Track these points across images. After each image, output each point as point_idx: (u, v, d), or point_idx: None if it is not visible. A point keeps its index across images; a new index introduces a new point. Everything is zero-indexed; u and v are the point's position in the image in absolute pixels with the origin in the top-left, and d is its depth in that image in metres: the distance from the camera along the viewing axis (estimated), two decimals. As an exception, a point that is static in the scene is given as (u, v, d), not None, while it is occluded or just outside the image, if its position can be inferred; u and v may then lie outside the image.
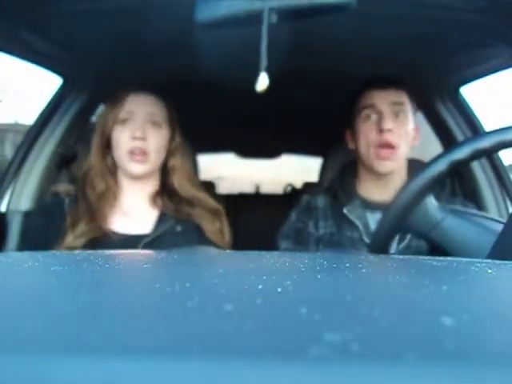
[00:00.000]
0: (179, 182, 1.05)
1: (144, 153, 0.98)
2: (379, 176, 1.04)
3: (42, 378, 0.16)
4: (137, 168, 0.98)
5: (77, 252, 0.64)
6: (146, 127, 0.99)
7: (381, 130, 1.00)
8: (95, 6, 0.85)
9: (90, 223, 0.96)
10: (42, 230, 1.01)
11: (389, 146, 0.99)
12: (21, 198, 1.22)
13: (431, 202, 0.60)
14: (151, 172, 1.03)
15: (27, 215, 1.17)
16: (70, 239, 0.95)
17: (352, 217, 1.04)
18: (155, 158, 1.01)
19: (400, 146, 1.00)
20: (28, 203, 1.22)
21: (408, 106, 1.04)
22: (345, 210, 1.05)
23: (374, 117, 1.02)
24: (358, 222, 1.03)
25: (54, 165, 1.28)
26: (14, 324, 0.20)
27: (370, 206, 1.05)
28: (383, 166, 1.01)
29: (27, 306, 0.23)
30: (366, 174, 1.07)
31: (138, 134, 0.97)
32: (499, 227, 0.56)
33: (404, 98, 1.04)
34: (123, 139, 0.98)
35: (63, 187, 1.06)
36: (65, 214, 0.99)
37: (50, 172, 1.27)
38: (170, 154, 1.05)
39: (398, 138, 1.00)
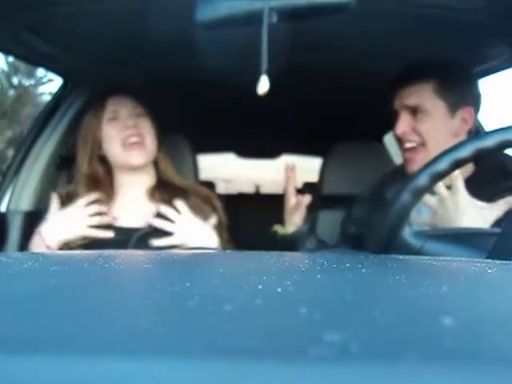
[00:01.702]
0: (171, 172, 1.10)
1: (139, 141, 1.02)
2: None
3: (42, 378, 0.16)
4: (136, 158, 1.02)
5: (77, 252, 0.64)
6: (134, 118, 1.04)
7: (396, 134, 0.99)
8: (95, 6, 0.85)
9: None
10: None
11: (409, 148, 0.98)
12: (21, 198, 1.22)
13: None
14: (148, 163, 1.06)
15: (27, 216, 1.18)
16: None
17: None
18: (150, 146, 1.04)
19: (425, 143, 0.96)
20: (28, 203, 1.22)
21: (430, 101, 0.96)
22: (386, 193, 1.02)
23: (397, 117, 1.00)
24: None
25: (54, 165, 1.28)
26: (14, 324, 0.20)
27: None
28: (410, 168, 0.99)
29: (27, 306, 0.23)
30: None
31: (131, 123, 1.02)
32: (484, 239, 0.56)
33: (422, 94, 0.97)
34: (115, 133, 1.02)
35: (64, 190, 1.08)
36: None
37: (49, 172, 1.27)
38: (158, 149, 1.10)
39: (418, 136, 0.97)
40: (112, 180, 1.07)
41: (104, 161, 1.06)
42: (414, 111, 0.98)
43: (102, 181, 1.05)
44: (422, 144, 0.97)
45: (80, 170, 1.05)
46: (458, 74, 1.00)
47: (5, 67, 8.26)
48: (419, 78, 0.98)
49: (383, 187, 1.05)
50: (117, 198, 1.05)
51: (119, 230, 1.00)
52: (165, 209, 1.01)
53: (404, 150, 0.99)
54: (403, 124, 0.98)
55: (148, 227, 1.01)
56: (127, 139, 1.01)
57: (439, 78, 0.97)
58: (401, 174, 1.04)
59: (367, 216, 1.06)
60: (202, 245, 0.99)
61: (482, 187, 0.87)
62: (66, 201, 1.03)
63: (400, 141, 1.00)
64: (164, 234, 1.01)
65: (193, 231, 1.01)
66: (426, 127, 0.97)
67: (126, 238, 0.98)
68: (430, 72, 0.98)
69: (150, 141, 1.04)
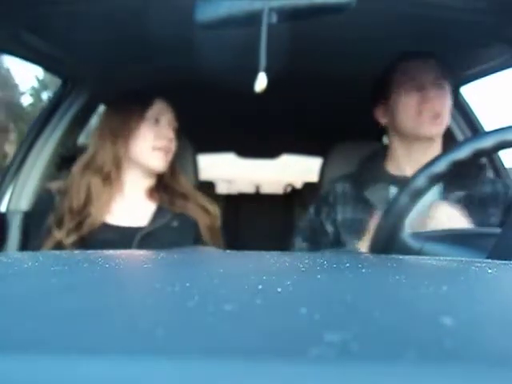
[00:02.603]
0: (174, 176, 1.11)
1: (169, 151, 1.06)
2: (417, 147, 1.02)
3: (42, 378, 0.16)
4: (159, 163, 1.04)
5: (77, 252, 0.64)
6: (172, 131, 1.07)
7: (424, 101, 0.97)
8: (95, 6, 0.85)
9: (86, 216, 0.97)
10: (36, 228, 1.02)
11: (434, 113, 0.98)
12: (21, 197, 1.22)
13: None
14: None
15: (27, 216, 1.17)
16: (60, 235, 0.96)
17: (373, 199, 1.02)
18: (170, 158, 1.08)
19: (444, 114, 0.98)
20: (28, 203, 1.22)
21: (447, 81, 1.01)
22: (366, 193, 1.03)
23: (415, 91, 0.99)
24: (379, 205, 1.00)
25: (54, 165, 1.28)
26: (14, 324, 0.20)
27: (397, 181, 1.02)
28: (429, 130, 0.99)
29: (27, 306, 0.23)
30: (401, 148, 1.05)
31: (170, 135, 1.05)
32: (483, 240, 0.56)
33: (444, 72, 1.00)
34: (151, 137, 1.03)
35: (55, 184, 1.06)
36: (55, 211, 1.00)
37: (50, 172, 1.27)
38: None
39: (442, 106, 0.98)
40: (119, 170, 1.06)
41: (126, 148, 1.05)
42: (439, 86, 0.99)
43: (118, 163, 1.04)
44: (437, 114, 0.97)
45: (100, 146, 1.03)
46: None
47: (35, 83, 8.44)
48: (438, 59, 1.00)
49: (362, 188, 1.05)
50: (116, 197, 1.05)
51: (121, 230, 1.00)
52: None
53: (423, 119, 0.97)
54: (434, 93, 0.97)
55: (149, 226, 1.01)
56: (161, 148, 1.03)
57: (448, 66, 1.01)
58: (381, 175, 1.05)
59: (349, 218, 1.06)
60: None
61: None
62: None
63: (421, 110, 0.98)
64: (166, 232, 1.01)
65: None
66: (447, 103, 0.99)
67: (129, 237, 0.98)
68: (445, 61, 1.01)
69: (172, 155, 1.08)
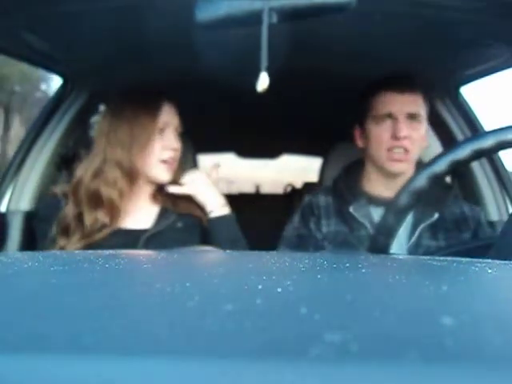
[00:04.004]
0: (177, 178, 1.09)
1: (175, 161, 1.05)
2: (389, 175, 1.05)
3: (41, 378, 0.16)
4: (166, 175, 1.03)
5: (77, 252, 0.64)
6: (177, 138, 1.05)
7: (396, 137, 1.00)
8: (95, 5, 0.85)
9: (98, 224, 0.95)
10: (41, 232, 1.01)
11: (404, 151, 1.00)
12: (21, 197, 1.22)
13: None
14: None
15: (27, 216, 1.17)
16: (63, 242, 0.94)
17: (358, 215, 1.04)
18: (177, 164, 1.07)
19: (413, 149, 1.01)
20: (28, 203, 1.22)
21: (423, 111, 1.03)
22: (351, 209, 1.04)
23: (388, 121, 1.02)
24: (364, 221, 1.03)
25: (54, 165, 1.28)
26: (14, 324, 0.20)
27: (376, 201, 1.05)
28: (395, 167, 1.02)
29: (27, 306, 0.23)
30: (375, 173, 1.08)
31: (176, 146, 1.03)
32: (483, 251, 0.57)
33: (419, 103, 1.03)
34: (157, 148, 1.00)
35: (61, 188, 1.04)
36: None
37: (49, 172, 1.27)
38: None
39: (411, 143, 1.00)
40: (132, 183, 1.03)
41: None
42: (412, 118, 1.02)
43: (126, 190, 1.01)
44: (406, 151, 1.01)
45: (114, 156, 0.99)
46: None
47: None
48: (416, 88, 1.04)
49: (345, 203, 1.07)
50: (129, 200, 1.03)
51: (126, 233, 0.99)
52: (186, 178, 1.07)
53: (393, 157, 1.01)
54: (406, 129, 1.00)
55: (154, 228, 1.00)
56: (167, 160, 1.02)
57: (423, 90, 1.05)
58: (360, 193, 1.08)
59: (333, 231, 1.07)
60: (211, 199, 1.05)
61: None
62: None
63: (391, 143, 1.01)
64: (171, 233, 1.01)
65: (205, 188, 1.06)
66: (419, 135, 1.02)
67: (134, 239, 0.97)
68: (419, 83, 1.05)
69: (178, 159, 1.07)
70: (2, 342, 0.18)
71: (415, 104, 1.02)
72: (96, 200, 0.97)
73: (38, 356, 0.17)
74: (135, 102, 1.03)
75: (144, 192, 1.05)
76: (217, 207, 1.06)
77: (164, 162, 1.01)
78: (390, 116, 1.01)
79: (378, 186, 1.07)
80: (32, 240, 1.05)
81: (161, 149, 1.01)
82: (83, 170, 1.00)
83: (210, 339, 0.18)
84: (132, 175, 1.00)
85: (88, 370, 0.16)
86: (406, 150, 1.00)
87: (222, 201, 1.08)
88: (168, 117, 1.03)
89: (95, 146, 1.02)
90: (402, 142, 0.99)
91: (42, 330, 0.20)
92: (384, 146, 1.02)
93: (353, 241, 1.02)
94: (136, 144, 0.99)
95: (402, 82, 1.03)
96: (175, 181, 1.07)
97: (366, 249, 0.63)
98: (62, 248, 0.94)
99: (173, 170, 1.04)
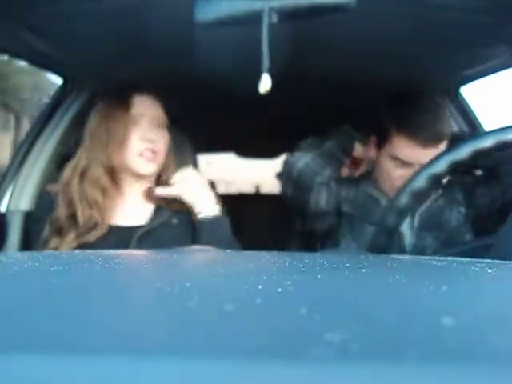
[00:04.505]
0: (171, 172, 1.07)
1: (154, 153, 1.00)
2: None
3: (41, 378, 0.16)
4: (147, 168, 1.00)
5: (77, 252, 0.64)
6: (154, 130, 1.01)
7: (404, 172, 0.97)
8: (95, 5, 0.85)
9: (91, 224, 0.96)
10: (34, 232, 1.01)
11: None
12: (21, 197, 1.22)
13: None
14: (157, 172, 1.05)
15: (27, 216, 1.17)
16: (56, 242, 0.94)
17: (375, 194, 1.05)
18: (163, 158, 1.04)
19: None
20: (28, 203, 1.22)
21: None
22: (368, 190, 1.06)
23: (404, 167, 0.99)
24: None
25: (54, 165, 1.28)
26: (14, 324, 0.20)
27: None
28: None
29: (27, 306, 0.23)
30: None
31: (151, 137, 1.00)
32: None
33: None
34: (134, 141, 0.99)
35: (55, 187, 1.03)
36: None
37: (49, 172, 1.27)
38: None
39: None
40: (119, 174, 1.03)
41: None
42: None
43: (113, 171, 1.01)
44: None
45: (89, 155, 0.99)
46: None
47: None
48: (440, 141, 0.99)
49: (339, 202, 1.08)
50: (115, 197, 1.03)
51: (120, 230, 0.99)
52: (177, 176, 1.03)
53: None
54: (407, 172, 0.96)
55: (149, 225, 1.00)
56: (144, 151, 0.99)
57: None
58: (356, 188, 1.09)
59: (330, 229, 1.10)
60: (200, 201, 1.01)
61: None
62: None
63: (393, 172, 1.01)
64: (165, 230, 1.00)
65: (195, 188, 1.02)
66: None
67: (128, 236, 0.97)
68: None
69: (164, 154, 1.04)
70: (2, 341, 0.18)
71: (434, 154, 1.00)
72: (86, 199, 0.97)
73: (38, 356, 0.17)
74: (108, 97, 1.03)
75: (134, 188, 1.04)
76: (206, 208, 1.01)
77: (141, 154, 0.99)
78: (406, 163, 0.98)
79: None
80: (34, 244, 1.05)
81: (138, 140, 0.99)
82: (71, 170, 1.01)
83: (210, 339, 0.18)
84: (113, 171, 1.00)
85: (88, 370, 0.16)
86: None
87: (213, 201, 1.04)
88: (142, 108, 1.01)
89: (81, 145, 1.03)
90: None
91: (41, 330, 0.20)
92: (392, 179, 1.01)
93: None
94: (112, 138, 0.98)
95: (428, 137, 0.96)
96: (167, 180, 1.06)
97: (366, 249, 0.63)
98: (55, 248, 0.94)
99: (157, 163, 1.01)
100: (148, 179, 1.06)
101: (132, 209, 1.03)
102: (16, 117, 13.60)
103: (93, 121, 1.03)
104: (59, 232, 0.96)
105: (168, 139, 1.05)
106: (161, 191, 1.03)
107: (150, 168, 1.01)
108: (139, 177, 1.03)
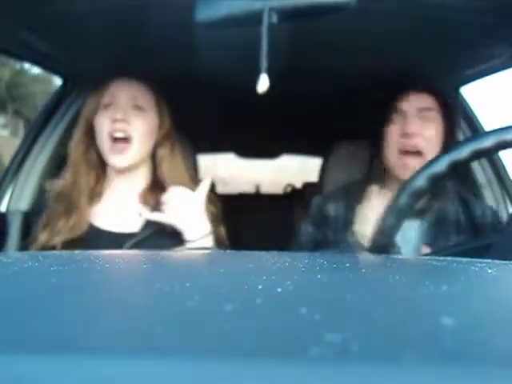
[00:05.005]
0: (169, 173, 0.99)
1: (126, 139, 0.92)
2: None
3: (42, 378, 0.16)
4: (118, 160, 0.93)
5: (77, 252, 0.64)
6: (128, 110, 0.94)
7: (405, 134, 0.97)
8: (95, 5, 0.85)
9: (70, 219, 0.92)
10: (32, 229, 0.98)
11: (414, 152, 0.96)
12: (21, 197, 1.22)
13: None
14: (135, 165, 0.97)
15: (27, 216, 1.17)
16: (44, 237, 0.91)
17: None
18: (139, 147, 0.95)
19: (427, 152, 0.96)
20: (28, 203, 1.22)
21: (435, 111, 1.00)
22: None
23: (398, 120, 0.99)
24: None
25: (54, 165, 1.28)
26: (14, 324, 0.20)
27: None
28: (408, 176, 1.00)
29: (27, 306, 0.23)
30: (388, 180, 1.04)
31: (119, 116, 0.92)
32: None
33: (431, 103, 1.00)
34: (104, 123, 0.93)
35: (51, 184, 1.00)
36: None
37: (49, 172, 1.27)
38: (158, 143, 1.00)
39: (424, 142, 0.96)
40: (103, 170, 0.98)
41: (95, 147, 0.96)
42: (423, 117, 0.99)
43: (90, 166, 0.96)
44: (418, 152, 0.97)
45: (70, 160, 0.97)
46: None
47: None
48: (430, 88, 1.01)
49: (325, 204, 1.07)
50: (104, 197, 0.98)
51: (112, 236, 0.93)
52: (167, 196, 0.93)
53: (404, 153, 0.97)
54: (416, 125, 0.97)
55: (142, 233, 0.93)
56: (114, 133, 0.92)
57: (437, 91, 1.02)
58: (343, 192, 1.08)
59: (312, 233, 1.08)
60: (191, 228, 0.92)
61: None
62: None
63: (402, 143, 0.98)
64: (160, 239, 0.93)
65: (184, 212, 0.93)
66: (432, 134, 0.98)
67: (120, 244, 0.90)
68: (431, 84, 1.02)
69: (139, 144, 0.94)
70: (2, 342, 0.18)
71: (429, 101, 1.00)
72: (74, 191, 0.94)
73: (38, 356, 0.17)
74: (89, 87, 1.02)
75: (131, 189, 0.98)
76: (196, 237, 0.91)
77: (112, 136, 0.92)
78: (400, 113, 0.99)
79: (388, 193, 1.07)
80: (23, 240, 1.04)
81: (108, 123, 0.92)
82: (65, 170, 0.99)
83: (210, 339, 0.18)
84: (93, 160, 0.96)
85: (88, 370, 0.16)
86: (419, 153, 0.98)
87: (206, 229, 0.92)
88: (117, 90, 0.96)
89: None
90: (413, 139, 0.98)
91: (42, 330, 0.20)
92: (396, 148, 1.00)
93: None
94: (86, 126, 0.96)
95: (416, 82, 1.01)
96: (166, 178, 0.99)
97: (366, 249, 0.63)
98: (42, 245, 0.91)
99: (128, 151, 0.93)
100: (136, 176, 0.99)
101: (126, 213, 0.96)
102: (26, 123, 14.10)
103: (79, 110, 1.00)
104: (46, 226, 0.93)
105: (152, 124, 0.97)
106: (147, 215, 0.94)
107: (120, 160, 0.93)
108: (118, 171, 0.97)
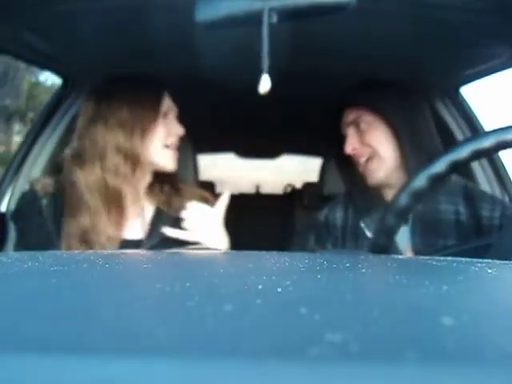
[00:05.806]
0: (173, 175, 1.04)
1: (177, 149, 1.01)
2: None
3: (41, 378, 0.16)
4: (171, 163, 0.98)
5: (77, 252, 0.64)
6: (180, 127, 1.02)
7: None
8: (95, 5, 0.85)
9: (99, 233, 0.88)
10: (21, 231, 0.96)
11: (368, 158, 1.01)
12: (21, 198, 1.22)
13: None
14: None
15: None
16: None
17: (369, 231, 1.00)
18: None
19: (380, 152, 0.99)
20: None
21: (368, 118, 1.01)
22: (362, 224, 1.02)
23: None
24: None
25: (54, 165, 1.28)
26: (14, 324, 0.20)
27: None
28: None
29: (27, 306, 0.23)
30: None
31: (180, 131, 1.00)
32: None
33: (361, 114, 1.02)
34: (164, 133, 0.97)
35: (40, 183, 0.95)
36: (43, 215, 0.90)
37: (50, 172, 1.27)
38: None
39: (370, 149, 1.00)
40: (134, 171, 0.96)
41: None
42: (357, 125, 1.02)
43: (128, 177, 0.94)
44: (373, 154, 1.00)
45: (106, 153, 0.91)
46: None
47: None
48: (356, 102, 1.05)
49: (332, 214, 1.08)
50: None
51: (122, 244, 0.91)
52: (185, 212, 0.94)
53: (361, 165, 1.02)
54: (352, 140, 1.02)
55: (147, 241, 0.93)
56: (171, 146, 0.98)
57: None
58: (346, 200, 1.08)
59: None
60: (212, 244, 0.93)
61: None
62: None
63: (354, 159, 1.03)
64: (166, 247, 0.91)
65: (206, 230, 0.94)
66: (375, 139, 1.01)
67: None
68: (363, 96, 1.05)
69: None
70: (2, 342, 0.18)
71: (354, 113, 1.04)
72: (96, 197, 0.92)
73: (38, 356, 0.17)
74: (139, 85, 1.00)
75: (139, 185, 0.98)
76: (215, 246, 0.93)
77: (168, 147, 0.97)
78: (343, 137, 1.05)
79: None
80: (17, 243, 1.03)
81: (165, 133, 0.97)
82: (77, 160, 0.95)
83: (210, 339, 0.18)
84: (136, 160, 0.93)
85: (88, 371, 0.16)
86: (366, 160, 1.02)
87: (225, 244, 0.95)
88: (170, 103, 1.01)
89: (86, 133, 0.96)
90: (357, 154, 1.03)
91: (41, 330, 0.20)
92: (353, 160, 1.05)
93: None
94: (142, 127, 0.93)
95: (340, 104, 1.08)
96: (172, 176, 1.03)
97: (366, 249, 0.63)
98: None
99: (176, 158, 1.00)
100: (151, 175, 1.00)
101: (132, 212, 0.96)
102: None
103: (111, 107, 0.94)
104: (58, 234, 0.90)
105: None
106: (169, 232, 0.94)
107: (172, 163, 0.98)
108: (153, 171, 0.99)
